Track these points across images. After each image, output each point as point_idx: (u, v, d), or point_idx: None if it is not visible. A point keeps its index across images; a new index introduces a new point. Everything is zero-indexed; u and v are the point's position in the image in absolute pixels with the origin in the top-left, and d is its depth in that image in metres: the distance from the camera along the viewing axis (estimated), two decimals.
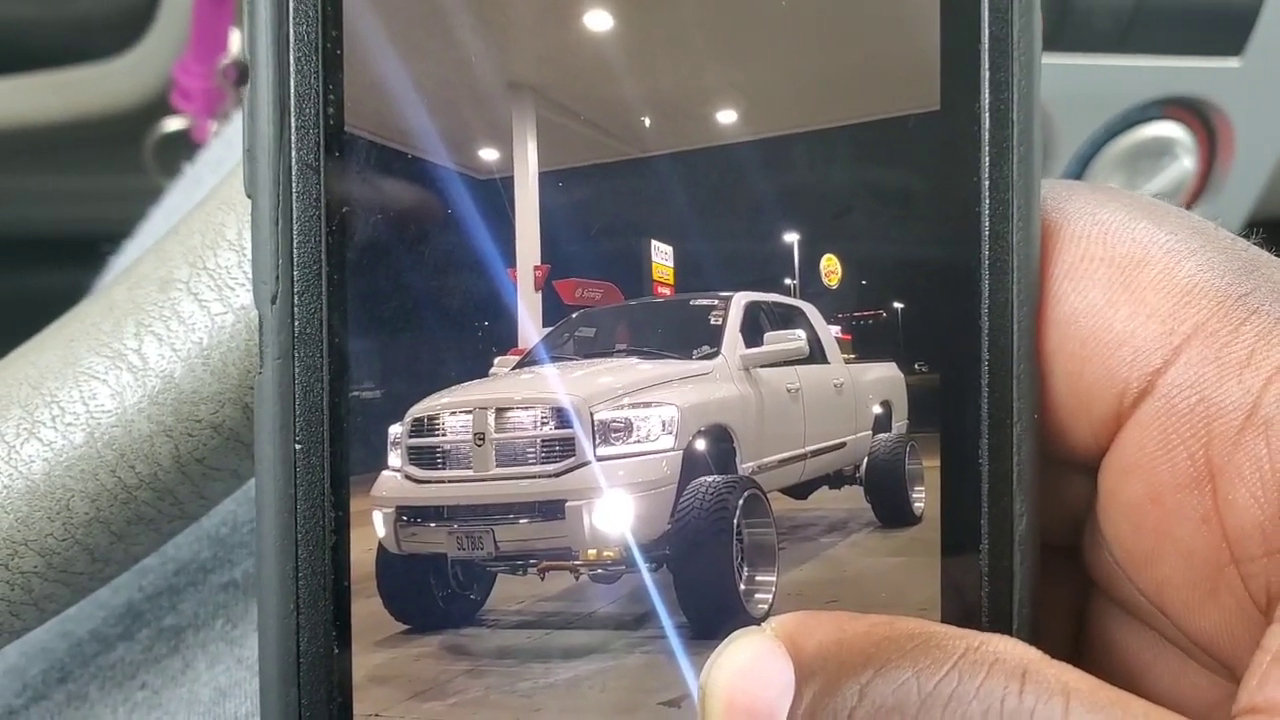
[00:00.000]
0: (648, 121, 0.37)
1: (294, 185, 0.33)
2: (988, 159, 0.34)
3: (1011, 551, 0.34)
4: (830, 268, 0.38)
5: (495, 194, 0.37)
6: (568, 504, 0.39)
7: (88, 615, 0.52)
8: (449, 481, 0.41)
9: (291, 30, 0.33)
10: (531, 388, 0.40)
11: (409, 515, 0.41)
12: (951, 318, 0.34)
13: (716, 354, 0.42)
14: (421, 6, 0.35)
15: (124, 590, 0.52)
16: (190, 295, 0.41)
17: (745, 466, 0.40)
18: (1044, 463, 0.34)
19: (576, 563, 0.39)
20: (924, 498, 0.35)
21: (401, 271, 0.36)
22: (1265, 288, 0.32)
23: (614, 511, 0.38)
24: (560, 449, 0.40)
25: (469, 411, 0.41)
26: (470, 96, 0.37)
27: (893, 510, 0.40)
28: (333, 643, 0.34)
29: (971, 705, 0.27)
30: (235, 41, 0.94)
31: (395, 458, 0.39)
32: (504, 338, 0.38)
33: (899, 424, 0.40)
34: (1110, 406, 0.33)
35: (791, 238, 0.37)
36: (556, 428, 0.40)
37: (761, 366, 0.42)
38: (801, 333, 0.41)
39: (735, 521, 0.40)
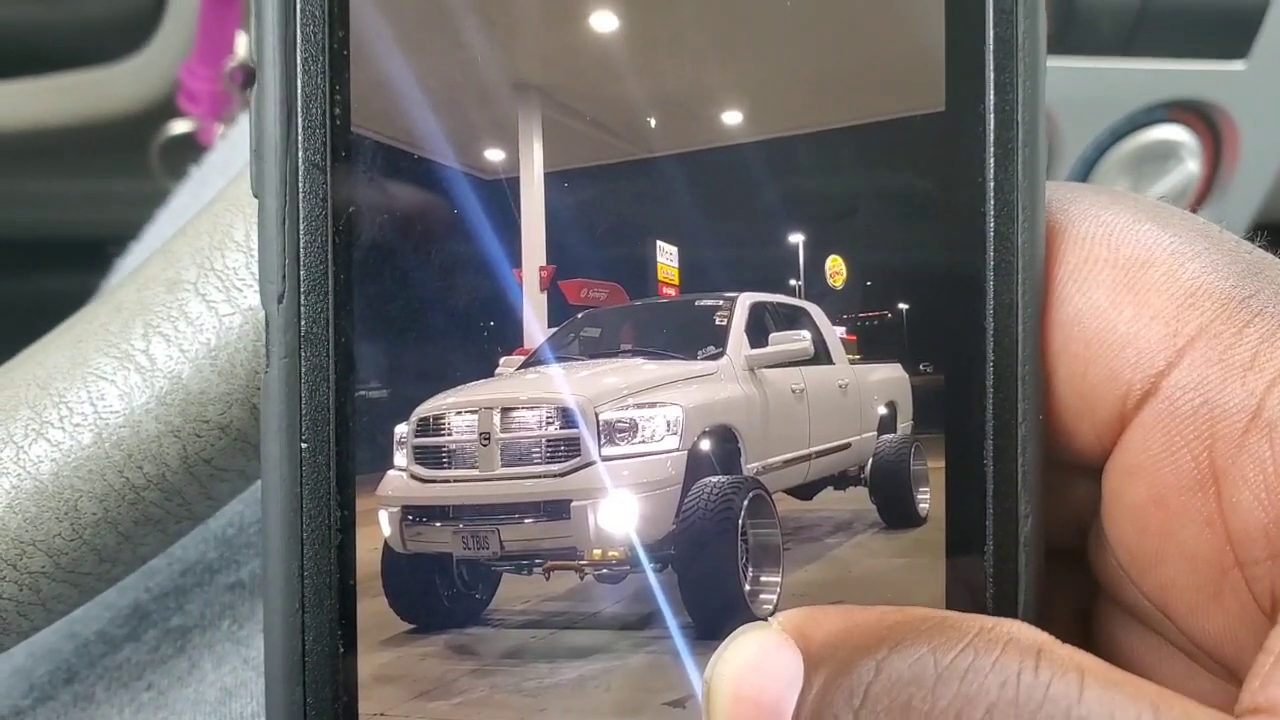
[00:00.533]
0: (653, 122, 0.37)
1: (300, 185, 0.34)
2: (993, 160, 0.34)
3: (1017, 553, 0.34)
4: (835, 268, 0.38)
5: (501, 194, 0.37)
6: (573, 504, 0.39)
7: (94, 616, 0.53)
8: (454, 481, 0.41)
9: (299, 31, 0.33)
10: (537, 388, 0.40)
11: (414, 515, 0.41)
12: (956, 319, 0.34)
13: (721, 354, 0.42)
14: (427, 7, 0.35)
15: (130, 591, 0.52)
16: (198, 296, 0.41)
17: (750, 467, 0.40)
18: (1048, 465, 0.34)
19: (582, 563, 0.39)
20: (929, 499, 0.35)
21: (407, 271, 0.36)
22: (1269, 290, 0.32)
23: (619, 511, 0.38)
24: (565, 449, 0.40)
25: (474, 411, 0.41)
26: (476, 97, 0.37)
27: (897, 511, 0.40)
28: (338, 642, 0.34)
29: (988, 678, 0.27)
30: (241, 44, 0.94)
31: (401, 457, 0.40)
32: (509, 338, 0.38)
33: (904, 425, 0.40)
34: (1114, 408, 0.33)
35: (796, 238, 0.37)
36: (562, 428, 0.40)
37: (766, 367, 0.42)
38: (806, 333, 0.41)
39: (740, 522, 0.40)
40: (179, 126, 1.01)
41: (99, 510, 0.41)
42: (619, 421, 0.40)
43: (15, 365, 0.44)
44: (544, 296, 0.38)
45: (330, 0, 0.34)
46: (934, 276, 0.35)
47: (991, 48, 0.34)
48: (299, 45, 0.34)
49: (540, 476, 0.40)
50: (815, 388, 0.42)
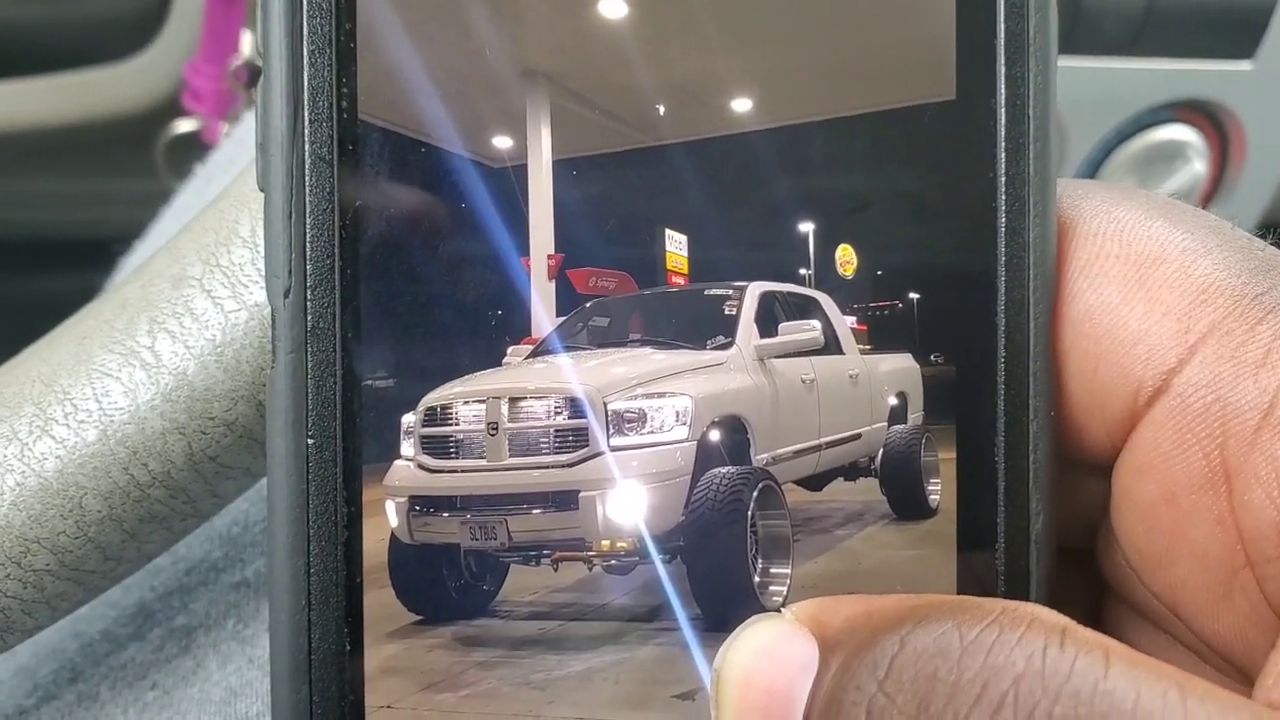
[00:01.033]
0: (662, 109, 0.37)
1: (307, 179, 0.33)
2: (1004, 154, 0.33)
3: (1028, 550, 0.34)
4: (845, 258, 0.38)
5: (509, 183, 0.37)
6: (581, 494, 0.39)
7: (99, 615, 0.52)
8: (462, 471, 0.41)
9: (305, 24, 0.33)
10: (545, 377, 0.40)
11: (422, 505, 0.41)
12: (967, 313, 0.34)
13: (731, 344, 0.42)
14: None
15: (135, 590, 0.52)
16: (203, 292, 0.41)
17: (760, 458, 0.40)
18: (1059, 462, 0.34)
19: (590, 554, 0.39)
20: (939, 490, 0.35)
21: (415, 263, 0.36)
22: None
23: (627, 502, 0.38)
24: (574, 439, 0.40)
25: (482, 401, 0.41)
26: (484, 85, 0.37)
27: (908, 503, 0.40)
28: (344, 640, 0.34)
29: (1015, 651, 0.27)
30: (246, 43, 0.94)
31: (408, 447, 0.39)
32: (517, 327, 0.38)
33: (914, 415, 0.40)
34: (1125, 405, 0.33)
35: (806, 227, 0.37)
36: (570, 418, 0.40)
37: (776, 357, 0.42)
38: (816, 323, 0.40)
39: (750, 513, 0.39)
40: (184, 125, 1.01)
41: (104, 508, 0.41)
42: (627, 411, 0.39)
43: (20, 362, 0.44)
44: (552, 285, 0.38)
45: None
46: (944, 268, 0.35)
47: (1003, 42, 0.33)
48: (305, 38, 0.33)
49: (548, 467, 0.40)
50: (825, 378, 0.42)
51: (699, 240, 0.39)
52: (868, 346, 0.40)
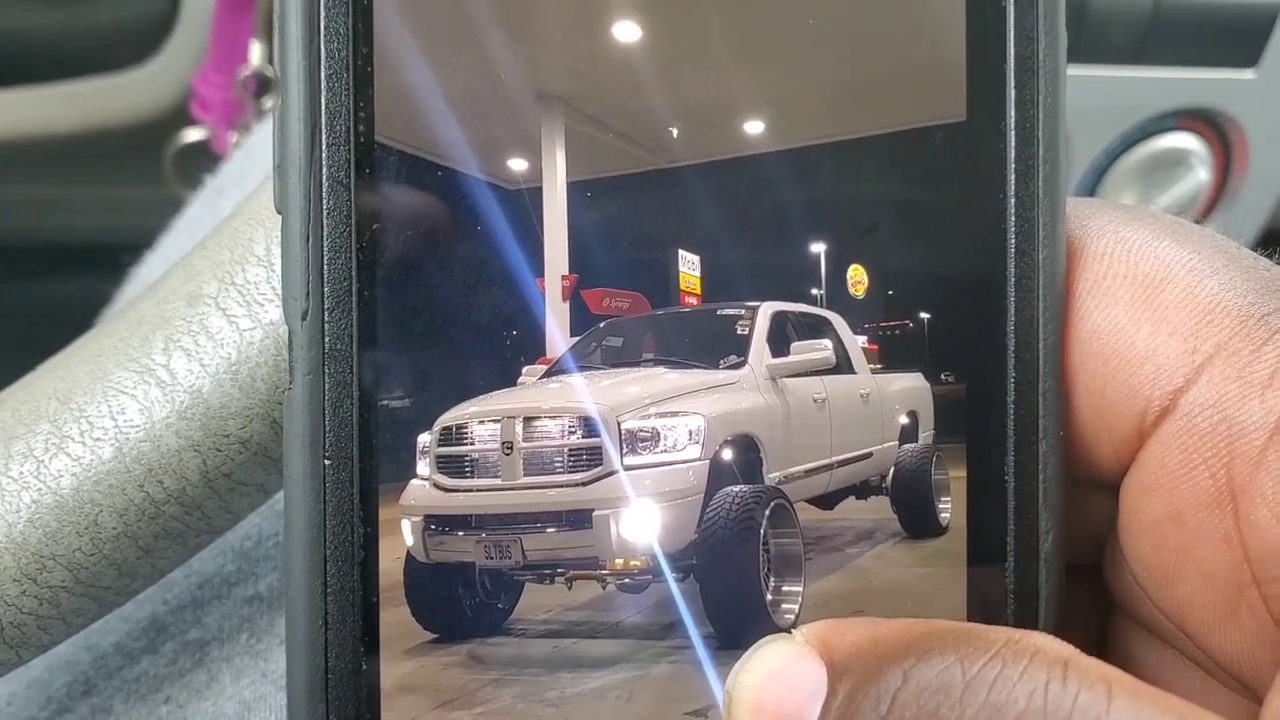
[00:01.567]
0: (675, 132, 0.37)
1: (324, 202, 0.34)
2: (1013, 176, 0.34)
3: (1038, 568, 0.34)
4: (857, 278, 0.38)
5: (523, 204, 0.37)
6: (595, 513, 0.39)
7: (112, 628, 0.52)
8: (477, 490, 0.41)
9: (323, 48, 0.34)
10: (559, 397, 0.40)
11: (437, 524, 0.41)
12: (977, 333, 0.34)
13: (743, 364, 0.42)
14: (451, 20, 0.35)
15: (148, 603, 0.52)
16: (219, 310, 0.41)
17: (772, 476, 0.40)
18: (1067, 480, 0.34)
19: (604, 572, 0.40)
20: (950, 508, 0.35)
21: (431, 284, 0.36)
22: None
23: (641, 521, 0.38)
24: (587, 458, 0.40)
25: (497, 421, 0.41)
26: (499, 108, 0.37)
27: (919, 521, 0.40)
28: (361, 659, 0.34)
29: (1016, 688, 0.27)
30: (255, 52, 0.93)
31: (424, 466, 0.40)
32: (532, 347, 0.38)
33: (925, 434, 0.40)
34: (1132, 425, 0.33)
35: (818, 248, 0.37)
36: (584, 437, 0.40)
37: (788, 376, 0.42)
38: (828, 342, 0.40)
39: (762, 531, 0.40)
40: (192, 134, 1.01)
41: (119, 524, 0.41)
42: (641, 431, 0.40)
43: (35, 379, 0.44)
44: (566, 306, 0.38)
45: (354, 17, 0.34)
46: (955, 288, 0.35)
47: (1012, 65, 0.34)
48: (323, 62, 0.34)
49: (562, 486, 0.40)
50: (837, 397, 0.42)
51: (712, 261, 0.39)
52: (879, 366, 0.40)
